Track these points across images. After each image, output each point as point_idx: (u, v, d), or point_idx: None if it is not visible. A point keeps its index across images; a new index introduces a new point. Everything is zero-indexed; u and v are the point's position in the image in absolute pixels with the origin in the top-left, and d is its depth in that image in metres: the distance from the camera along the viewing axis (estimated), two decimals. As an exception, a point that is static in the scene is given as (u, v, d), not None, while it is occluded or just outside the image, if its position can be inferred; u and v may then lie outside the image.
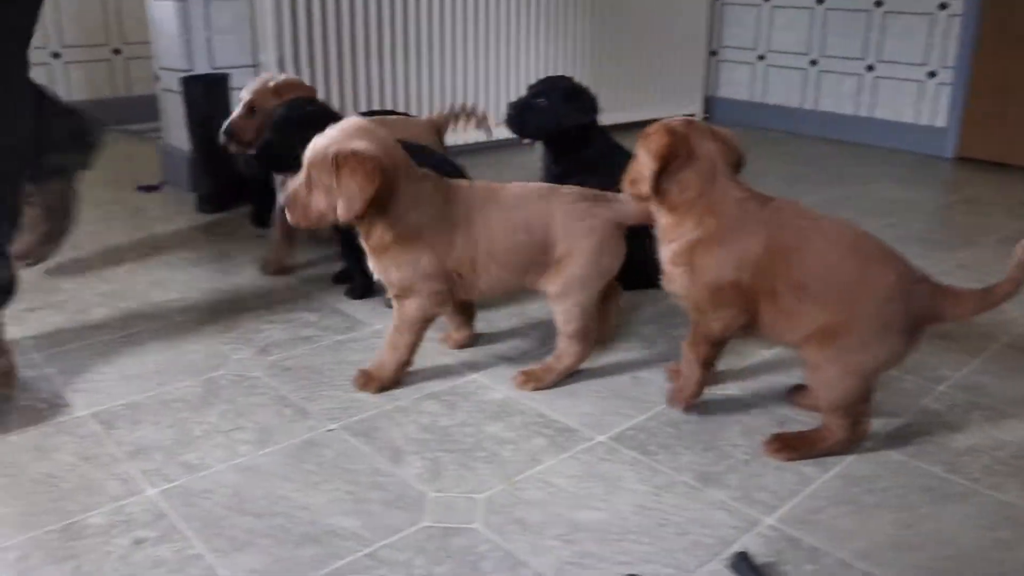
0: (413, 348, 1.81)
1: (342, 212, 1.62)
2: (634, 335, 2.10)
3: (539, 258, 1.77)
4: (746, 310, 1.58)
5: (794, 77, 4.61)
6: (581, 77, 4.18)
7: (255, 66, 3.34)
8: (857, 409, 1.58)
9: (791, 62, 4.60)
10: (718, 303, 1.58)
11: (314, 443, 1.61)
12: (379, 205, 1.64)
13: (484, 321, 2.14)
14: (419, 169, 1.72)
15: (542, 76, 4.08)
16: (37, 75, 4.41)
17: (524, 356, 1.98)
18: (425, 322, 1.79)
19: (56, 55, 4.53)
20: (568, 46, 4.20)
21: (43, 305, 2.23)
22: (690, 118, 1.65)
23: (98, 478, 1.49)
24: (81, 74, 4.63)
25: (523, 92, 4.04)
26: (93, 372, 1.87)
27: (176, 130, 3.43)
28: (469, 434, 1.65)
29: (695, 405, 1.73)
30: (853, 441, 1.61)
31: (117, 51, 4.73)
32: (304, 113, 2.06)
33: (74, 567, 1.28)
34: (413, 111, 3.66)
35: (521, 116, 2.31)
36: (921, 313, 1.51)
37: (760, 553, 1.32)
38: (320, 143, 1.65)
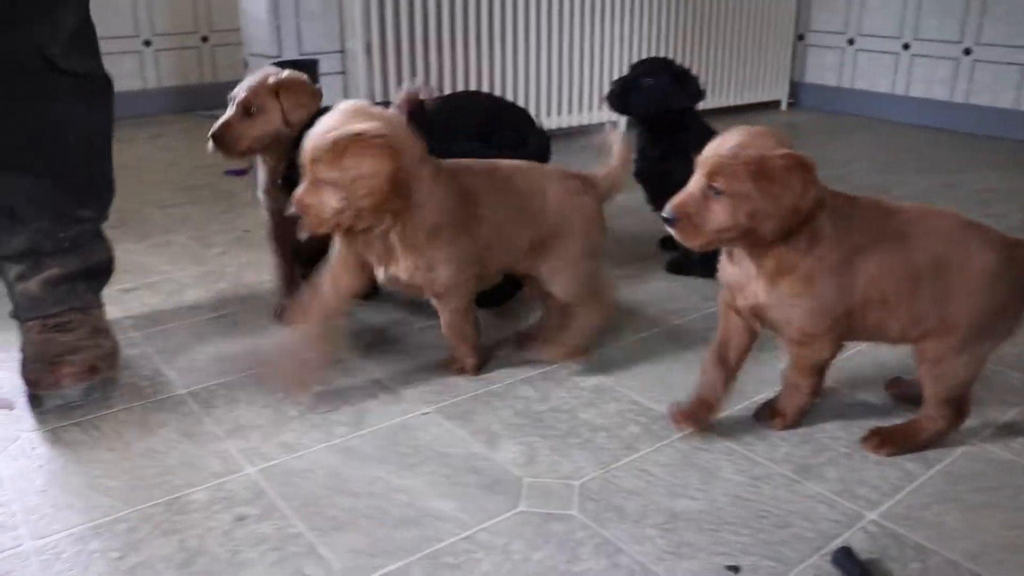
0: (476, 328, 1.80)
1: (361, 202, 1.48)
2: (725, 324, 2.06)
3: (536, 235, 1.71)
4: (851, 324, 1.49)
5: (885, 62, 4.48)
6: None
7: (342, 52, 3.38)
8: (965, 396, 1.54)
9: (882, 46, 4.47)
10: (835, 328, 1.48)
11: (409, 426, 1.62)
12: (401, 192, 1.50)
13: (572, 307, 2.13)
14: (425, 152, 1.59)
15: (627, 61, 4.08)
16: (129, 63, 4.56)
17: (612, 341, 1.96)
18: (471, 302, 1.75)
19: (147, 43, 4.64)
20: (652, 29, 4.15)
21: (139, 286, 2.29)
22: (772, 130, 1.47)
23: (199, 455, 1.52)
24: (171, 61, 4.74)
25: (608, 76, 4.05)
26: (190, 352, 1.91)
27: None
28: (563, 420, 1.64)
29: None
30: (953, 430, 1.56)
31: (205, 38, 4.82)
32: None
33: (179, 540, 1.31)
34: (503, 94, 3.64)
35: (626, 94, 2.29)
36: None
37: (864, 549, 1.29)
38: (316, 133, 1.48)
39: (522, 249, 1.73)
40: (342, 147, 1.44)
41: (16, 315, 1.82)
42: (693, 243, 1.45)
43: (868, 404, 1.71)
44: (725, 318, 1.60)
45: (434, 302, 1.72)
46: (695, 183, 1.44)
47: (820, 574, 1.25)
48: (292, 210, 1.52)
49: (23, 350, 1.77)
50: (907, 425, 1.58)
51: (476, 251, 1.66)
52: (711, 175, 1.41)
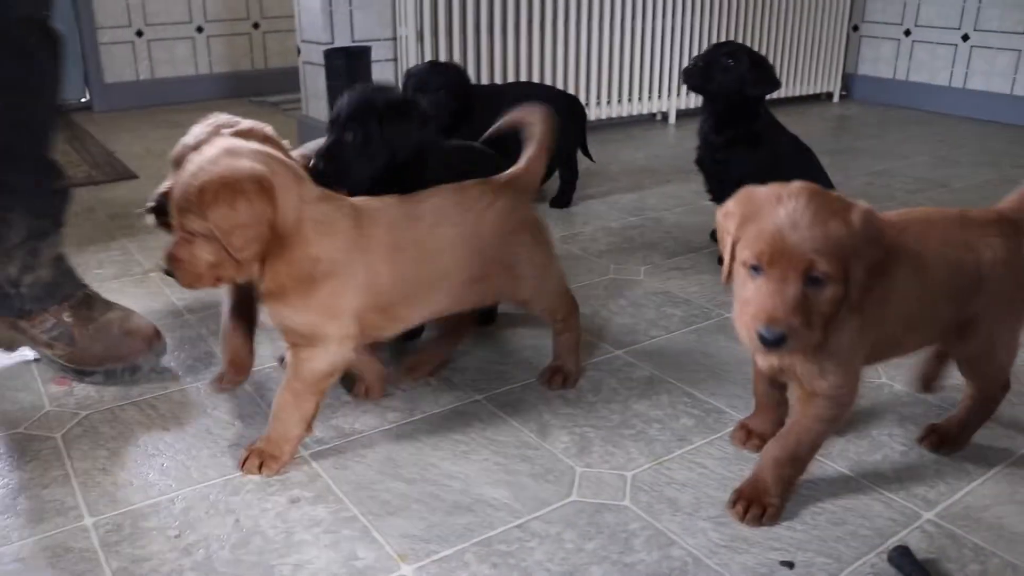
0: (314, 415, 1.46)
1: (241, 254, 1.29)
2: (778, 317, 2.04)
3: (491, 268, 1.55)
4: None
5: (943, 53, 4.39)
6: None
7: (394, 39, 3.39)
8: (1007, 376, 1.53)
9: (940, 37, 4.37)
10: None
11: (461, 413, 1.63)
12: (275, 237, 1.32)
13: (625, 300, 2.13)
14: (318, 189, 1.38)
15: (677, 54, 4.04)
16: (182, 49, 4.62)
17: (663, 332, 1.95)
18: (332, 377, 1.44)
19: (200, 29, 4.69)
20: (704, 20, 4.10)
21: (195, 269, 2.32)
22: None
23: (254, 436, 1.53)
24: (222, 47, 4.79)
25: (657, 68, 4.01)
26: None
27: (315, 101, 3.51)
28: (615, 411, 1.64)
29: None
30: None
31: (256, 25, 4.87)
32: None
33: (234, 521, 1.33)
34: (553, 83, 3.64)
35: (708, 71, 2.26)
36: None
37: (921, 549, 1.27)
38: (182, 180, 1.29)
39: (476, 288, 1.56)
40: (211, 194, 1.25)
41: (25, 309, 1.74)
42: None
43: (925, 401, 1.68)
44: None
45: (289, 360, 1.45)
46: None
47: (876, 572, 1.23)
48: (162, 266, 1.34)
49: (63, 338, 1.74)
50: (959, 418, 1.55)
51: (359, 309, 1.42)
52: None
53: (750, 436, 1.53)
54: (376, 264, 1.41)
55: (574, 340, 1.73)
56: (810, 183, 1.23)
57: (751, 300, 1.19)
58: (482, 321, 1.99)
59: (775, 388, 1.49)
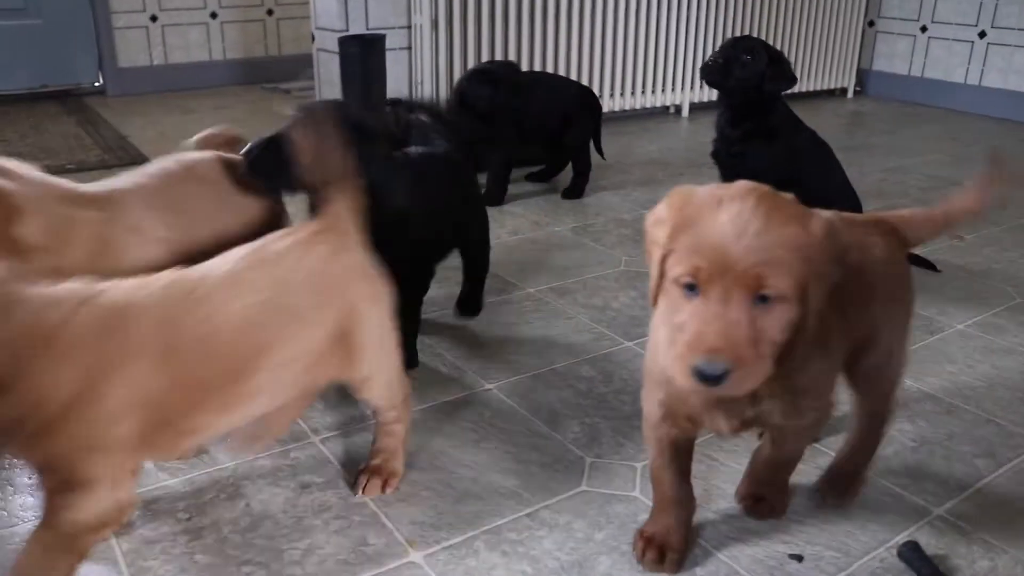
0: None
1: None
2: (790, 312, 2.04)
3: (316, 341, 1.19)
4: None
5: (959, 50, 4.36)
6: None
7: (409, 27, 3.38)
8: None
9: (957, 34, 4.35)
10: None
11: (471, 402, 1.63)
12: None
13: (636, 292, 2.13)
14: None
15: (691, 47, 4.03)
16: (196, 34, 4.63)
17: (676, 327, 1.95)
18: (100, 533, 1.07)
19: (214, 15, 4.69)
20: (719, 14, 4.08)
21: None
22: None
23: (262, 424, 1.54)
24: (236, 34, 4.79)
25: (671, 61, 4.00)
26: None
27: (328, 89, 3.51)
28: (626, 402, 1.63)
29: None
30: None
31: (270, 12, 4.86)
32: None
33: (245, 505, 1.33)
34: (567, 73, 3.63)
35: (726, 67, 2.25)
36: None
37: (931, 545, 1.27)
38: None
39: (278, 370, 1.17)
40: None
41: None
42: None
43: (934, 397, 1.68)
44: None
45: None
46: None
47: (885, 567, 1.23)
48: None
49: None
50: (849, 455, 1.39)
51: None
52: None
53: (650, 544, 1.23)
54: (144, 374, 1.03)
55: (404, 433, 1.39)
56: (758, 184, 1.04)
57: (686, 326, 0.97)
58: (466, 311, 1.99)
59: (684, 478, 1.23)
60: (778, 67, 2.22)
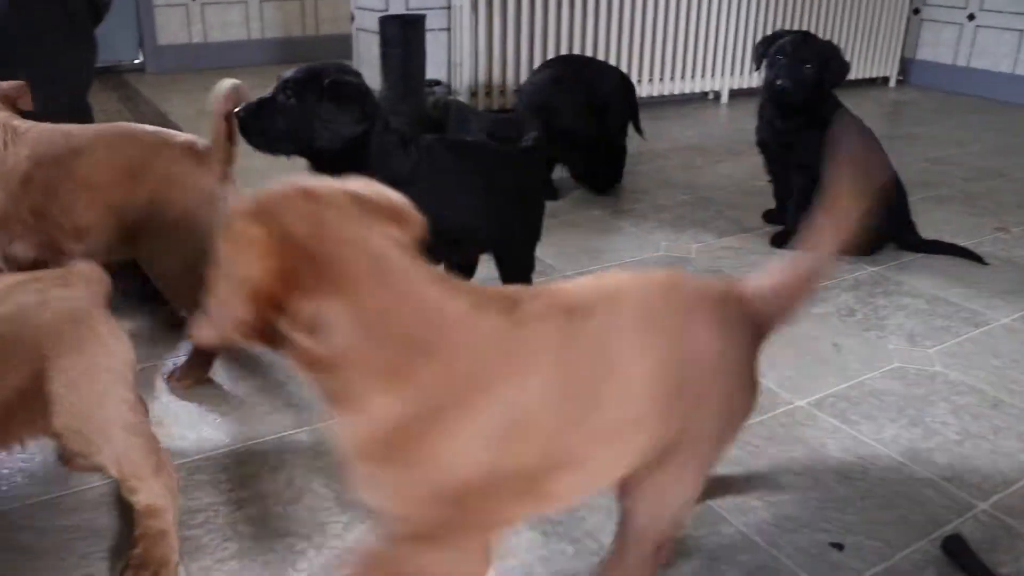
0: None
1: None
2: (831, 301, 2.02)
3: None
4: None
5: (1008, 39, 4.27)
6: (769, 29, 4.03)
7: (448, 8, 3.37)
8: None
9: (1007, 22, 4.25)
10: None
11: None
12: None
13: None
14: None
15: (733, 31, 3.98)
16: (235, 13, 4.64)
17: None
18: None
19: (253, -7, 4.71)
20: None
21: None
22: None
23: (307, 396, 1.55)
24: (274, 13, 4.80)
25: (713, 45, 3.95)
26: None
27: (367, 69, 3.50)
28: (666, 387, 1.63)
29: None
30: None
31: (309, -9, 4.88)
32: None
33: (286, 478, 1.34)
34: (606, 57, 3.60)
35: (795, 74, 2.20)
36: None
37: (975, 539, 1.25)
38: None
39: None
40: None
41: None
42: None
43: (979, 391, 1.65)
44: None
45: None
46: None
47: (928, 559, 1.22)
48: None
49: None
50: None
51: None
52: None
53: None
54: None
55: (169, 515, 1.15)
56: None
57: None
58: None
59: None
60: (838, 65, 2.20)
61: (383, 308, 0.79)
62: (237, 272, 0.78)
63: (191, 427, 1.47)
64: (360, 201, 0.83)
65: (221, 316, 0.80)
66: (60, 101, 1.76)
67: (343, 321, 0.78)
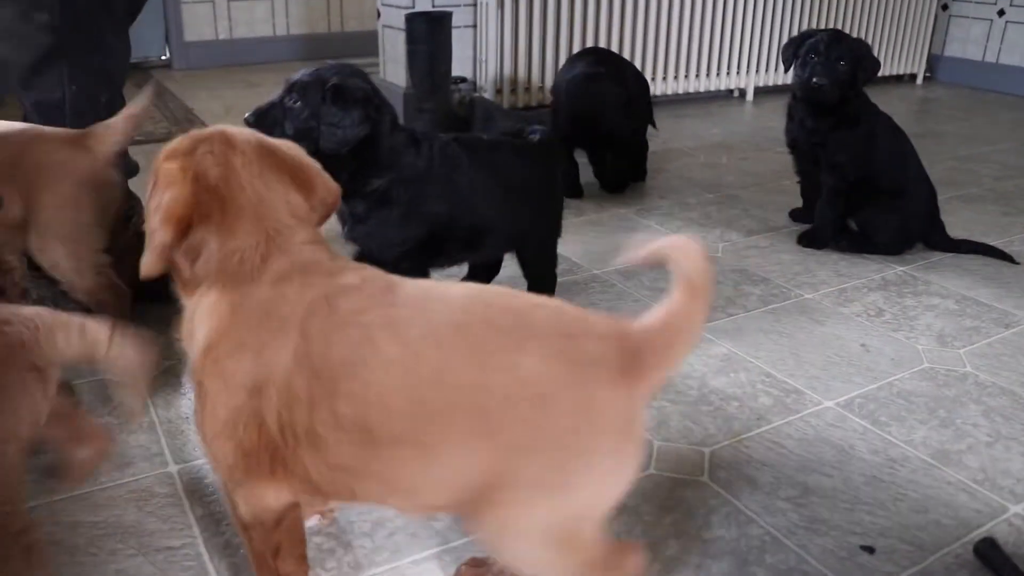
0: None
1: None
2: (858, 301, 2.00)
3: None
4: None
5: (981, 28, 4.19)
6: (795, 27, 4.01)
7: (475, 5, 3.37)
8: None
9: (1037, 19, 4.20)
10: None
11: (537, 381, 1.62)
12: None
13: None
14: None
15: (760, 28, 3.94)
16: (261, 10, 4.66)
17: (741, 311, 1.92)
18: None
19: (279, -10, 4.73)
20: (788, -5, 4.01)
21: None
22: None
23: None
24: (300, 10, 4.82)
25: (743, 42, 3.92)
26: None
27: (392, 66, 3.51)
28: (693, 387, 1.62)
29: None
30: None
31: (337, -12, 4.89)
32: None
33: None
34: (630, 54, 3.59)
35: (830, 79, 2.17)
36: None
37: (1008, 543, 1.24)
38: None
39: None
40: None
41: None
42: None
43: (1011, 393, 1.64)
44: None
45: None
46: None
47: (960, 563, 1.21)
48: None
49: None
50: None
51: None
52: None
53: None
54: None
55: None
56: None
57: None
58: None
59: None
60: (869, 63, 2.19)
61: (242, 247, 0.92)
62: (160, 201, 0.92)
63: (220, 423, 1.47)
64: (268, 154, 0.97)
65: (153, 243, 0.92)
66: (99, 97, 1.79)
67: (212, 250, 0.92)
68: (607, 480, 0.86)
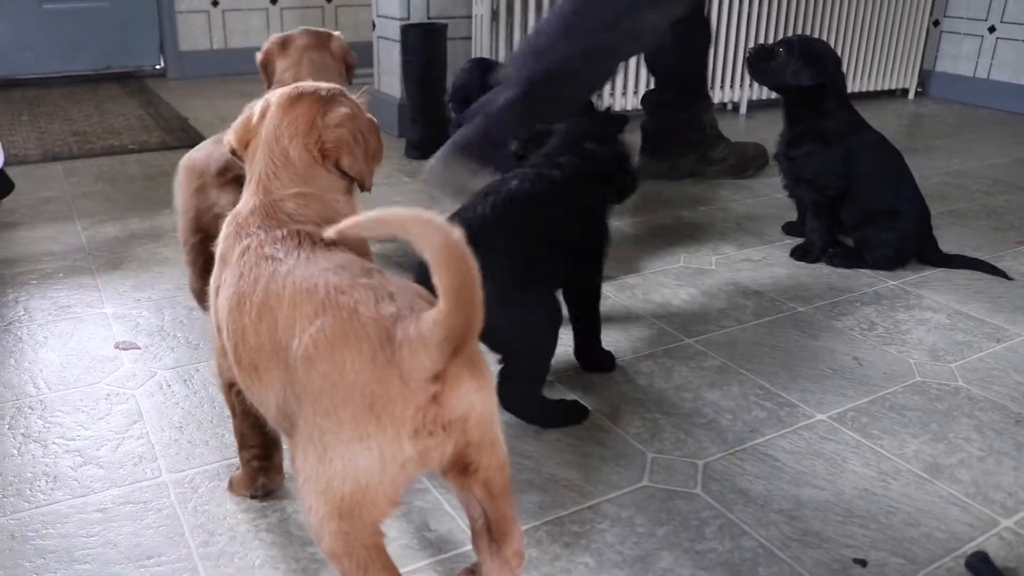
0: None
1: None
2: (851, 315, 2.01)
3: None
4: None
5: (970, 44, 4.22)
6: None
7: (469, 17, 3.38)
8: None
9: (1027, 36, 4.23)
10: None
11: (531, 392, 1.63)
12: None
13: (695, 289, 2.11)
14: None
15: (749, 41, 3.97)
16: (256, 20, 4.67)
17: (735, 324, 1.93)
18: None
19: (274, 1, 4.73)
20: (781, 8, 4.02)
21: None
22: None
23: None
24: (295, 20, 4.83)
25: (731, 54, 3.94)
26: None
27: (388, 77, 3.52)
28: (687, 399, 1.63)
29: None
30: None
31: (330, -1, 4.90)
32: None
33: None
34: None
35: (758, 61, 2.27)
36: None
37: (999, 556, 1.25)
38: None
39: None
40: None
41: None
42: None
43: (1002, 407, 1.64)
44: None
45: None
46: None
47: (952, 577, 1.22)
48: None
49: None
50: None
51: None
52: None
53: None
54: None
55: None
56: None
57: None
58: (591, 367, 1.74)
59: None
60: (803, 61, 2.20)
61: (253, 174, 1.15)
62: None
63: (213, 433, 1.47)
64: (291, 107, 1.14)
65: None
66: None
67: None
68: (354, 449, 0.89)
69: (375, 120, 1.29)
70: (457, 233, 0.81)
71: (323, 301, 0.93)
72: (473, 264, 0.82)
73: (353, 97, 1.22)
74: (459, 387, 0.89)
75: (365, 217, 0.88)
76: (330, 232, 0.95)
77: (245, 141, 1.17)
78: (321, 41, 1.89)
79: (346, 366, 0.88)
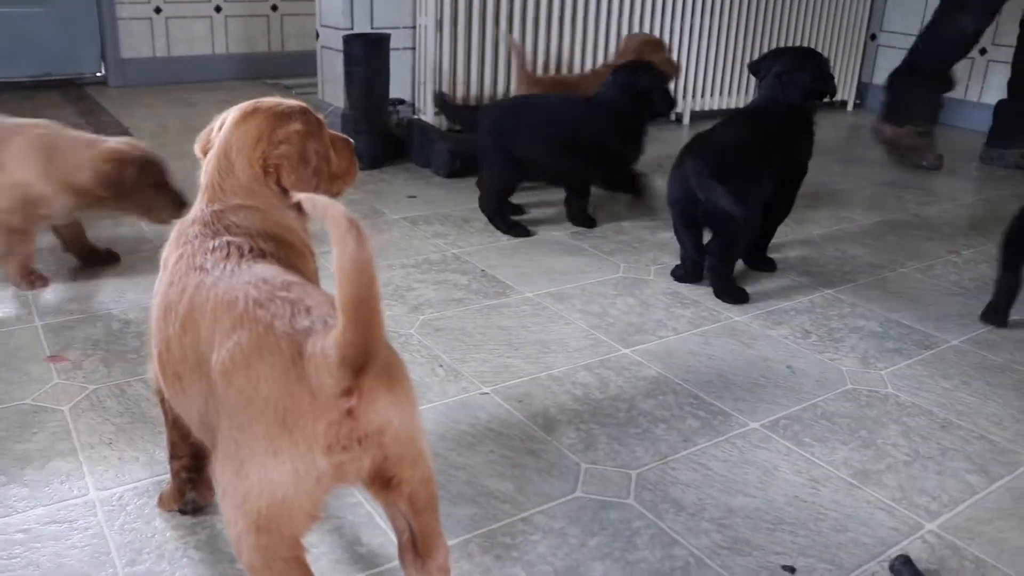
0: None
1: None
2: (786, 323, 2.04)
3: None
4: None
5: (962, 67, 4.34)
6: (729, 53, 4.09)
7: (414, 28, 3.38)
8: None
9: (959, 50, 4.34)
10: None
11: (467, 404, 1.63)
12: None
13: (634, 299, 2.13)
14: None
15: (692, 53, 4.03)
16: (200, 28, 4.62)
17: (671, 333, 1.95)
18: None
19: (218, 8, 4.69)
20: (721, 21, 4.08)
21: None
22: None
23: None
24: (239, 28, 4.79)
25: (682, 67, 3.99)
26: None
27: (331, 87, 3.51)
28: (622, 409, 1.64)
29: None
30: None
31: (275, 7, 4.86)
32: None
33: (240, 501, 1.33)
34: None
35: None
36: None
37: (922, 559, 1.28)
38: None
39: None
40: None
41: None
42: None
43: (928, 413, 1.68)
44: None
45: None
46: None
47: (877, 581, 1.24)
48: None
49: None
50: None
51: None
52: None
53: None
54: None
55: None
56: None
57: None
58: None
59: None
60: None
61: (206, 181, 1.17)
62: None
63: (143, 449, 1.45)
64: (246, 119, 1.18)
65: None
66: None
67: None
68: (268, 464, 0.88)
69: (349, 140, 1.29)
70: (368, 249, 0.80)
71: (241, 315, 0.93)
72: (375, 283, 0.81)
73: (318, 115, 1.22)
74: (374, 402, 0.89)
75: (308, 197, 0.86)
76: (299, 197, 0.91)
77: (205, 150, 1.20)
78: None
79: (260, 381, 0.88)
